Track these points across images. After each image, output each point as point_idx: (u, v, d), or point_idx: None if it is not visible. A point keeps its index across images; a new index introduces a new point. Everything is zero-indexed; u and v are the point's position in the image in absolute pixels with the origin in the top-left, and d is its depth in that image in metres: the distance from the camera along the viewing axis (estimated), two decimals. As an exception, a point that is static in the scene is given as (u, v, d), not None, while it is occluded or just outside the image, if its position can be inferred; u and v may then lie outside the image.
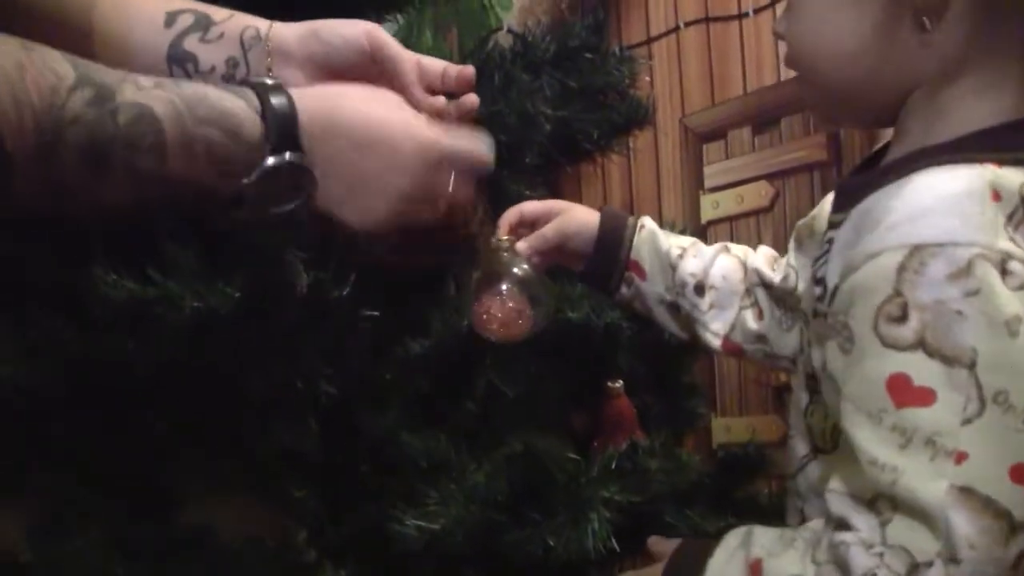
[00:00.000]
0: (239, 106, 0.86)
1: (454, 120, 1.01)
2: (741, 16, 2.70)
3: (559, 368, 1.34)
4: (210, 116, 0.84)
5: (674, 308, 1.28)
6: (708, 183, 2.77)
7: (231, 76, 1.01)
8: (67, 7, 1.01)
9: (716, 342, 1.27)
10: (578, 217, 1.31)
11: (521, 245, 1.20)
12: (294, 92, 0.88)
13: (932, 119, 0.96)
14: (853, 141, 2.48)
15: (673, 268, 1.28)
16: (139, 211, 0.87)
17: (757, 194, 2.65)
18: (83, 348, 1.09)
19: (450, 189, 0.94)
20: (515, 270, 1.11)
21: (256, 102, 0.87)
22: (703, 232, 2.78)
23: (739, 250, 1.31)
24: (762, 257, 1.29)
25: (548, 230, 1.26)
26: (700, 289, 1.27)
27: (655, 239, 1.30)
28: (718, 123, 2.76)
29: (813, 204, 2.47)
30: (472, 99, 1.02)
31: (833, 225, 1.01)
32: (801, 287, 1.19)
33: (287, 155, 0.86)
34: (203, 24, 1.01)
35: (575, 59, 1.45)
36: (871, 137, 2.43)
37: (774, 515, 1.67)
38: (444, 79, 1.02)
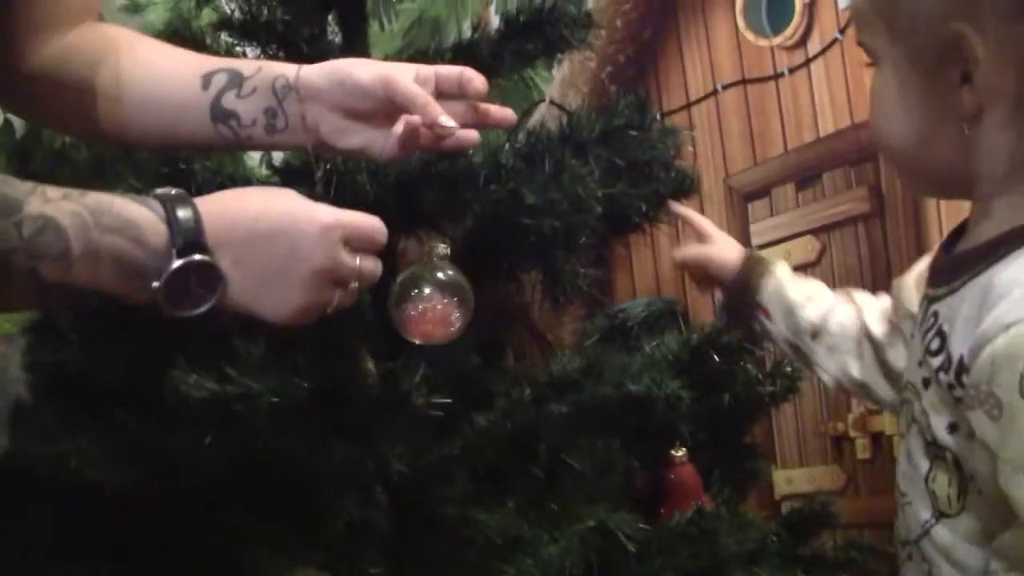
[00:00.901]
0: (143, 214, 0.89)
1: (472, 118, 1.08)
2: (777, 76, 2.74)
3: (623, 439, 1.36)
4: (115, 225, 0.87)
5: (795, 348, 1.43)
6: (755, 240, 2.79)
7: (272, 126, 1.07)
8: (68, 64, 1.08)
9: (831, 383, 1.40)
10: (724, 253, 1.55)
11: (676, 254, 1.48)
12: (197, 200, 0.92)
13: (1016, 201, 1.01)
14: (895, 193, 2.49)
15: (795, 314, 1.44)
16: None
17: (804, 249, 2.67)
18: (168, 447, 1.12)
19: (357, 265, 0.97)
20: (440, 275, 1.11)
21: (161, 210, 0.90)
22: (753, 289, 2.79)
23: (861, 299, 1.44)
24: (877, 311, 1.39)
25: (701, 253, 1.52)
26: (816, 335, 1.41)
27: (781, 288, 1.49)
28: (761, 182, 2.79)
29: (859, 256, 2.53)
30: (476, 85, 1.09)
31: (935, 299, 1.06)
32: (902, 356, 1.24)
33: (194, 257, 0.89)
34: (236, 81, 1.07)
35: (621, 136, 1.49)
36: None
37: (841, 568, 1.69)
38: (461, 85, 1.09)
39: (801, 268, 2.66)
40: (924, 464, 1.08)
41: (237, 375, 1.12)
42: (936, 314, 1.05)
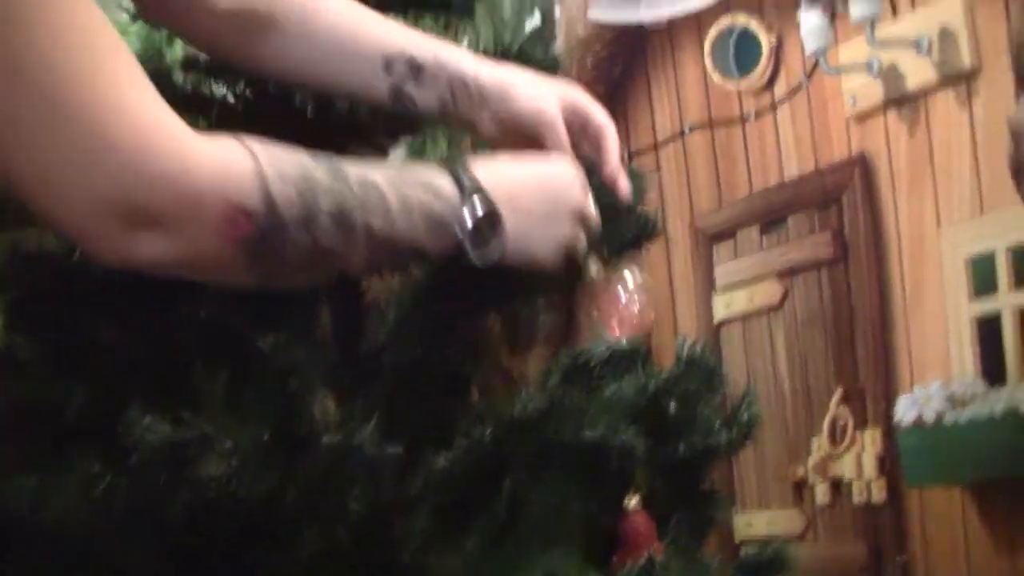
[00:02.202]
0: (432, 173, 0.97)
1: None
2: (743, 119, 2.78)
3: (578, 485, 1.36)
4: (415, 181, 0.96)
5: None
6: (719, 282, 2.83)
7: (443, 112, 1.16)
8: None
9: None
10: None
11: None
12: (466, 163, 1.01)
13: None
14: (858, 239, 2.52)
15: None
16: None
17: (767, 292, 2.70)
18: (124, 489, 1.12)
19: (595, 213, 1.10)
20: (627, 273, 1.22)
21: (444, 170, 0.98)
22: (716, 332, 2.83)
23: None
24: None
25: None
26: None
27: None
28: (726, 224, 2.82)
29: (822, 301, 2.55)
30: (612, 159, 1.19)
31: None
32: None
33: (482, 205, 0.97)
34: (415, 72, 1.15)
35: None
36: (876, 233, 2.48)
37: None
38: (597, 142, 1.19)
39: (764, 312, 2.71)
40: None
41: (193, 418, 1.11)
42: None
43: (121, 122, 0.81)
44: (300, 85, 1.28)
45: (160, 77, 1.58)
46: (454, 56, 1.17)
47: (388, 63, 1.15)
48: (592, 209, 1.10)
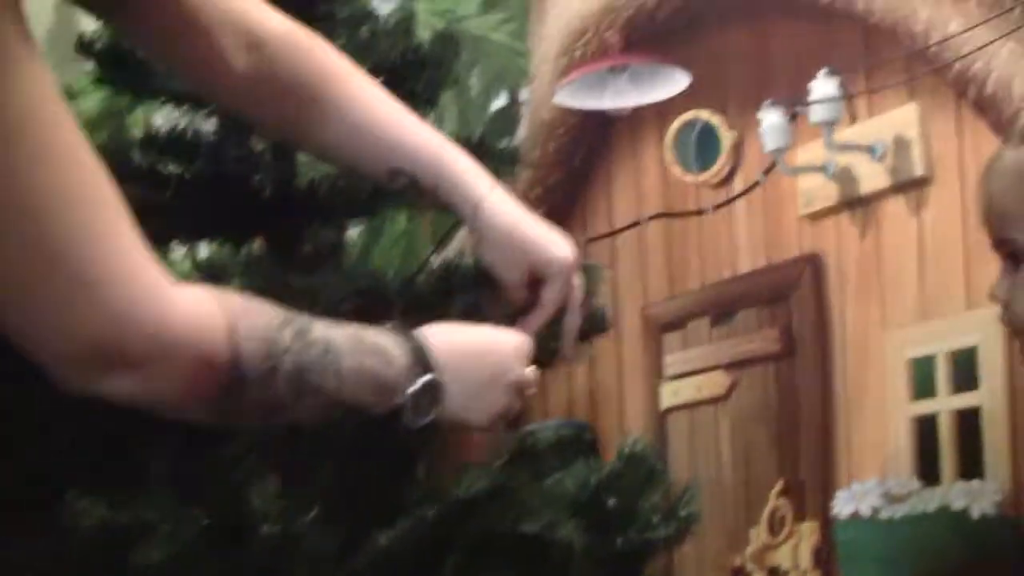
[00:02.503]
0: (388, 340, 1.04)
1: None
2: (700, 213, 2.81)
3: (517, 574, 1.37)
4: (371, 348, 1.02)
5: None
6: (668, 371, 2.85)
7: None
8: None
9: None
10: None
11: None
12: (418, 332, 1.08)
13: None
14: (805, 336, 2.56)
15: None
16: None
17: (714, 383, 2.72)
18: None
19: (534, 380, 1.16)
20: None
21: (399, 339, 1.05)
22: (662, 419, 2.85)
23: None
24: None
25: None
26: None
27: None
28: (678, 314, 2.85)
29: (768, 394, 2.58)
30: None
31: None
32: None
33: (431, 375, 1.05)
34: (415, 188, 1.22)
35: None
36: (823, 331, 2.52)
37: None
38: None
39: (711, 402, 2.74)
40: None
41: (132, 502, 1.11)
42: None
43: (106, 272, 0.87)
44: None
45: (119, 153, 1.61)
46: (459, 185, 1.22)
47: (391, 175, 1.23)
48: (531, 378, 1.16)
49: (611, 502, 1.50)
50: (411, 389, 1.04)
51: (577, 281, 1.26)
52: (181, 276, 1.57)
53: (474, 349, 1.12)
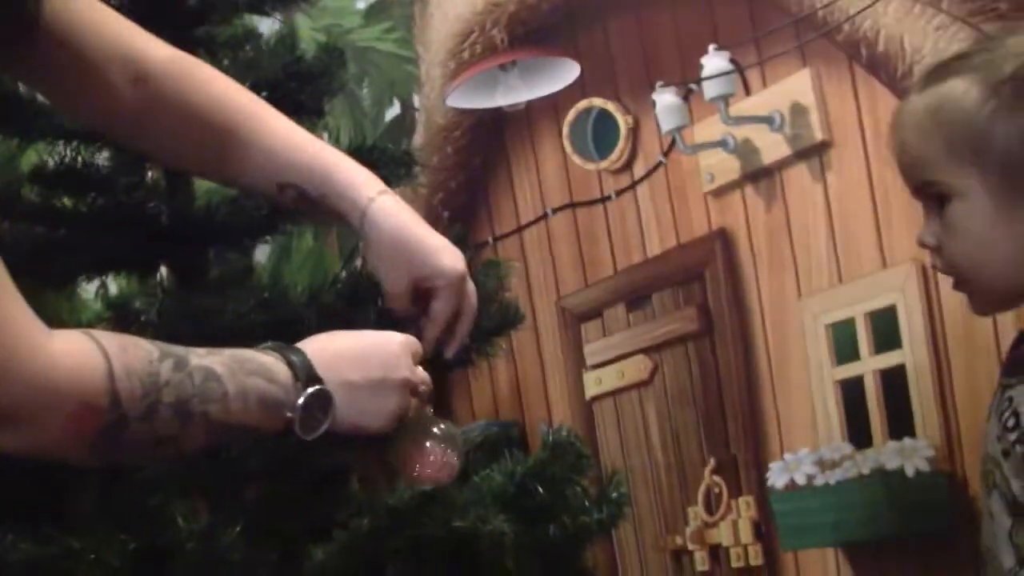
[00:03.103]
0: (269, 359, 1.07)
1: None
2: (604, 200, 2.84)
3: (454, 573, 1.39)
4: (253, 369, 1.05)
5: None
6: (589, 361, 2.86)
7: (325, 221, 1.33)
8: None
9: None
10: None
11: None
12: (298, 345, 1.11)
13: None
14: (723, 312, 2.60)
15: None
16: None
17: (636, 368, 2.75)
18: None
19: (424, 378, 1.19)
20: (435, 429, 1.25)
21: (279, 355, 1.08)
22: (588, 408, 2.88)
23: None
24: None
25: None
26: None
27: None
28: (593, 303, 2.87)
29: (691, 374, 2.61)
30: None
31: (1008, 386, 1.27)
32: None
33: (316, 387, 1.08)
34: (305, 202, 1.25)
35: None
36: (739, 306, 2.56)
37: None
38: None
39: (634, 387, 2.77)
40: (1007, 521, 1.24)
41: (58, 533, 1.11)
42: (1011, 399, 1.24)
43: None
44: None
45: (9, 192, 1.60)
46: (344, 191, 1.24)
47: (280, 188, 1.26)
48: (422, 376, 1.18)
49: (539, 491, 1.51)
50: (299, 401, 1.06)
51: (471, 289, 1.28)
52: (93, 314, 1.56)
53: (357, 353, 1.14)
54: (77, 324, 1.43)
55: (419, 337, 1.23)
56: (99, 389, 0.94)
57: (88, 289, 2.23)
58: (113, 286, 2.27)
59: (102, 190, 1.59)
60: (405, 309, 1.27)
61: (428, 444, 1.24)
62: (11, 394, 0.90)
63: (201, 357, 1.02)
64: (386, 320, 1.34)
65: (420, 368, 1.19)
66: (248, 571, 1.18)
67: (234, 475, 1.24)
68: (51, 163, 1.55)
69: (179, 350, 1.01)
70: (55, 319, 1.43)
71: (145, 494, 1.16)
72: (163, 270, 1.78)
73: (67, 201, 1.58)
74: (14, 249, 1.58)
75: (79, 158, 1.54)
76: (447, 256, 1.25)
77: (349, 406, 1.11)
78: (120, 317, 1.45)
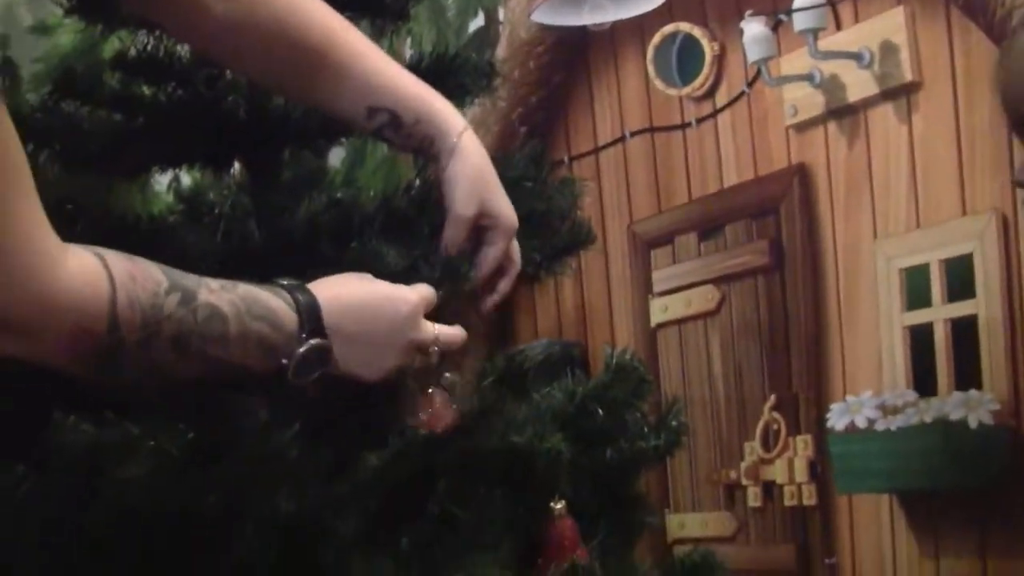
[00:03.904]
0: (279, 304, 1.09)
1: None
2: (684, 126, 2.81)
3: (506, 489, 1.38)
4: (260, 313, 1.07)
5: None
6: (656, 287, 2.86)
7: (414, 155, 1.33)
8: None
9: None
10: None
11: None
12: (311, 287, 1.13)
13: None
14: (795, 248, 2.56)
15: None
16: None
17: (704, 298, 2.74)
18: (41, 497, 1.12)
19: (441, 336, 1.20)
20: (439, 379, 1.27)
21: (291, 300, 1.10)
22: (652, 335, 2.87)
23: None
24: None
25: None
26: None
27: None
28: (665, 229, 2.85)
29: (758, 308, 2.59)
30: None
31: None
32: None
33: (317, 341, 1.09)
34: (395, 125, 1.28)
35: (517, 187, 1.50)
36: (812, 243, 2.52)
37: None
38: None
39: (700, 317, 2.75)
40: None
41: (118, 418, 1.12)
42: None
43: (2, 242, 0.92)
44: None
45: (91, 76, 1.59)
46: (434, 122, 1.28)
47: (370, 112, 1.28)
48: (432, 334, 1.19)
49: (599, 414, 1.49)
50: (299, 351, 1.08)
51: (516, 248, 1.33)
52: (165, 206, 1.57)
53: (368, 308, 1.16)
54: (149, 216, 1.43)
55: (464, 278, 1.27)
56: (99, 314, 0.97)
57: (161, 181, 2.24)
58: (187, 179, 2.28)
59: (182, 81, 1.57)
60: (462, 240, 1.29)
61: (431, 391, 1.27)
62: (16, 306, 0.93)
63: (211, 293, 1.05)
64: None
65: (432, 325, 1.20)
66: (303, 470, 1.17)
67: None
68: (133, 51, 1.53)
69: (191, 282, 1.04)
70: (128, 209, 1.43)
71: (204, 387, 1.15)
72: (236, 166, 1.77)
73: (146, 90, 1.57)
74: (91, 137, 1.55)
75: (161, 47, 1.52)
76: (509, 206, 1.30)
77: (348, 357, 1.13)
78: (190, 210, 1.45)
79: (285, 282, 1.12)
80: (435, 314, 1.26)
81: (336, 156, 3.28)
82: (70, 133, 1.54)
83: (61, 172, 1.51)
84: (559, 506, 1.38)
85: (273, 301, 1.08)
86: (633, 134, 2.92)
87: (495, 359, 1.90)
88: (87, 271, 0.97)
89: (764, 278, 2.63)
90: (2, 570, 1.15)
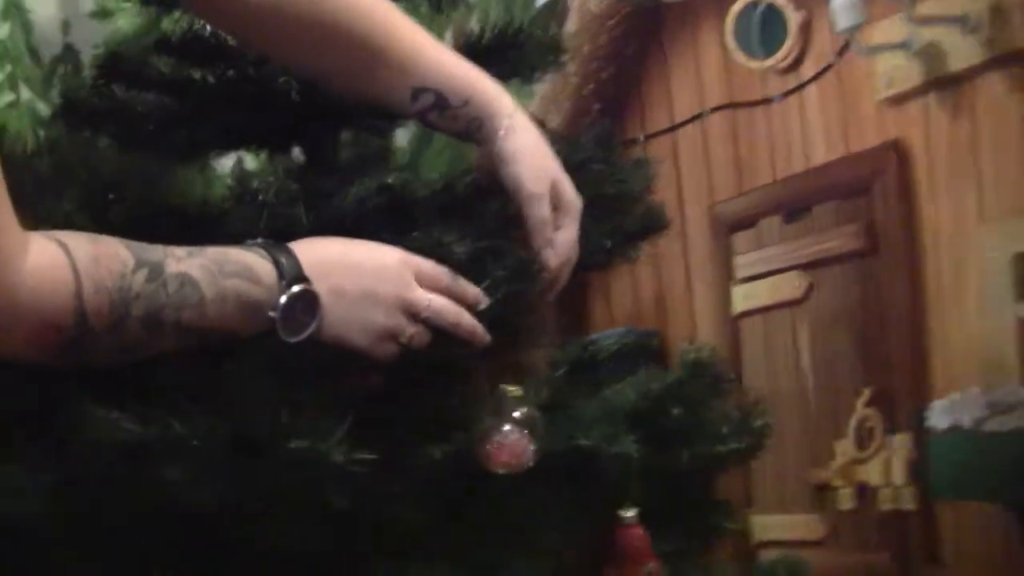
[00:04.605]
0: (254, 258, 1.10)
1: None
2: (768, 101, 2.78)
3: (570, 496, 1.37)
4: (234, 270, 1.09)
5: None
6: (739, 273, 2.84)
7: (459, 138, 1.34)
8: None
9: None
10: None
11: None
12: (290, 245, 1.14)
13: None
14: (891, 230, 2.53)
15: None
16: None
17: (791, 285, 2.71)
18: (75, 486, 1.13)
19: (436, 304, 1.19)
20: (515, 413, 1.27)
21: (265, 253, 1.11)
22: (734, 324, 2.85)
23: None
24: None
25: None
26: None
27: None
28: (747, 212, 2.83)
29: (850, 296, 2.55)
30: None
31: None
32: None
33: (301, 286, 1.10)
34: (441, 106, 1.29)
35: (585, 170, 1.49)
36: (910, 226, 2.48)
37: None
38: None
39: (786, 305, 2.72)
40: None
41: (163, 415, 1.13)
42: None
43: None
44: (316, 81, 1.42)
45: (137, 59, 1.61)
46: (483, 103, 1.29)
47: (415, 94, 1.29)
48: (426, 300, 1.18)
49: (675, 412, 1.48)
50: (282, 299, 1.09)
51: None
52: (225, 188, 1.58)
53: (350, 260, 1.17)
54: (203, 201, 1.44)
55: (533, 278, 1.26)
56: (65, 307, 1.00)
57: (224, 164, 2.27)
58: (252, 162, 2.31)
59: (231, 62, 1.58)
60: (548, 217, 1.28)
61: (506, 428, 1.26)
62: None
63: (179, 261, 1.06)
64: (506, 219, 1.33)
65: (427, 293, 1.19)
66: (347, 473, 1.17)
67: (346, 365, 1.24)
68: (177, 31, 1.55)
69: (156, 255, 1.05)
70: (187, 192, 1.45)
71: (251, 382, 1.16)
72: (296, 149, 1.78)
73: (196, 74, 1.58)
74: (145, 120, 1.59)
75: (207, 28, 1.53)
76: (572, 185, 1.31)
77: (334, 314, 1.14)
78: (238, 196, 1.46)
79: (260, 241, 1.14)
80: (501, 312, 1.27)
81: (404, 137, 3.29)
82: (123, 116, 1.58)
83: (117, 156, 1.56)
84: (630, 513, 1.38)
85: (247, 256, 1.10)
86: (712, 110, 2.90)
87: (567, 348, 1.89)
88: (50, 263, 0.99)
89: (856, 263, 2.59)
90: (39, 568, 1.18)
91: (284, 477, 1.12)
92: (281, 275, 1.10)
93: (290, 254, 1.12)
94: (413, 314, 1.18)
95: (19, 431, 1.23)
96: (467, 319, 1.22)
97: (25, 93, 3.13)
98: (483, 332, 1.23)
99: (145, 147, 1.58)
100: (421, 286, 1.19)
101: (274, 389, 1.15)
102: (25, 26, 3.13)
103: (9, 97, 3.15)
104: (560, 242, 1.29)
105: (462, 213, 1.40)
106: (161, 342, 1.07)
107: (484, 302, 1.24)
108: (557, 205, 1.29)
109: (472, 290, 1.24)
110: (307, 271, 1.12)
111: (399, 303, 1.17)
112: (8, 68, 3.13)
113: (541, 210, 1.28)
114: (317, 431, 1.11)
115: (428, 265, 1.21)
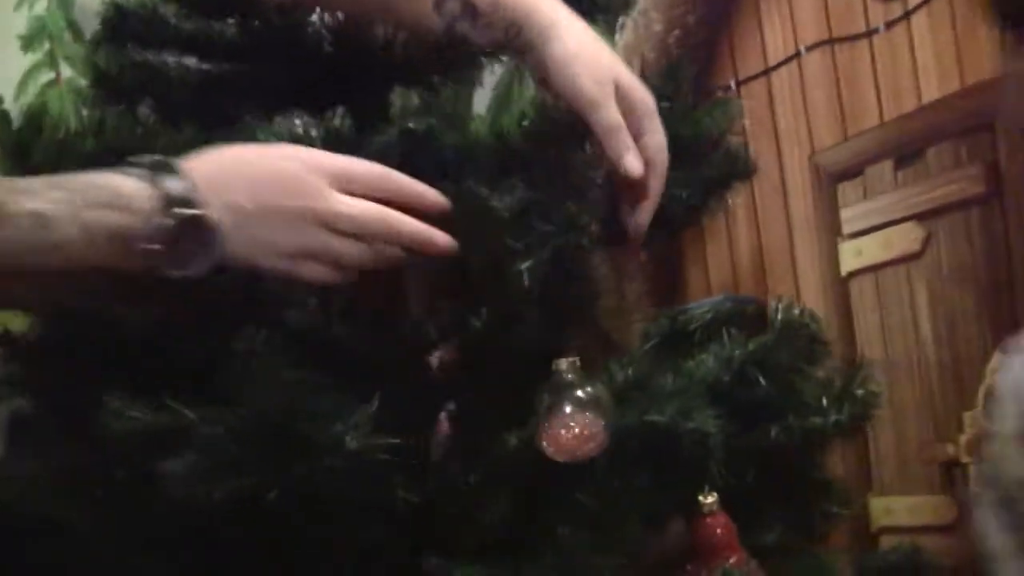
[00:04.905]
0: (127, 183, 1.04)
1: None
2: (870, 33, 2.71)
3: (643, 480, 1.30)
4: (102, 199, 1.03)
5: None
6: (847, 228, 2.78)
7: (495, 48, 1.33)
8: None
9: None
10: None
11: None
12: (195, 157, 1.08)
13: None
14: (1016, 171, 2.43)
15: None
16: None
17: (905, 238, 2.64)
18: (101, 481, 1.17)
19: (356, 212, 1.10)
20: (579, 393, 1.22)
21: (144, 174, 1.05)
22: (843, 285, 2.80)
23: None
24: None
25: None
26: None
27: None
28: (853, 159, 2.77)
29: (972, 247, 2.45)
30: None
31: None
32: None
33: (183, 211, 1.04)
34: (470, 13, 1.29)
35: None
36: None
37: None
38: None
39: (902, 261, 2.65)
40: None
41: (175, 404, 1.11)
42: None
43: None
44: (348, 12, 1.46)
45: (143, 14, 1.59)
46: (511, 8, 1.26)
47: (437, 3, 1.30)
48: (340, 208, 1.10)
49: (760, 383, 1.40)
50: (158, 227, 1.03)
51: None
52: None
53: (245, 172, 1.09)
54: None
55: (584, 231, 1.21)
56: None
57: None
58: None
59: (250, 10, 1.55)
60: (623, 126, 1.23)
61: (568, 410, 1.22)
62: None
63: (31, 199, 1.01)
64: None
65: (352, 201, 1.11)
66: (363, 462, 1.14)
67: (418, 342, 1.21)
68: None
69: (5, 195, 1.01)
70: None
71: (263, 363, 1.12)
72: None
73: (218, 28, 1.58)
74: (180, 86, 1.60)
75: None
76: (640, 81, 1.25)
77: (237, 237, 1.07)
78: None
79: (146, 158, 1.07)
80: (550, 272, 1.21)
81: (481, 102, 3.22)
82: (157, 85, 1.57)
83: (158, 126, 1.53)
84: (710, 499, 1.31)
85: (119, 181, 1.04)
86: (809, 48, 2.84)
87: (658, 320, 1.83)
88: None
89: (979, 210, 2.49)
90: (56, 561, 1.17)
91: (312, 468, 1.09)
92: (165, 200, 1.04)
93: (177, 172, 1.05)
94: (332, 228, 1.10)
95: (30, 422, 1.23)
96: (411, 225, 1.13)
97: (66, 71, 3.16)
98: (440, 237, 1.14)
99: (188, 116, 1.54)
100: (354, 194, 1.11)
101: (290, 370, 1.12)
102: (65, 1, 3.16)
103: (48, 76, 3.18)
104: (644, 146, 1.25)
105: (506, 164, 1.35)
106: (22, 287, 1.07)
107: (443, 204, 1.16)
108: (628, 109, 1.24)
109: (430, 191, 1.15)
110: (203, 188, 1.05)
111: (310, 216, 1.09)
112: (47, 45, 3.17)
113: (608, 115, 1.22)
114: (339, 415, 1.07)
115: (361, 168, 1.14)
